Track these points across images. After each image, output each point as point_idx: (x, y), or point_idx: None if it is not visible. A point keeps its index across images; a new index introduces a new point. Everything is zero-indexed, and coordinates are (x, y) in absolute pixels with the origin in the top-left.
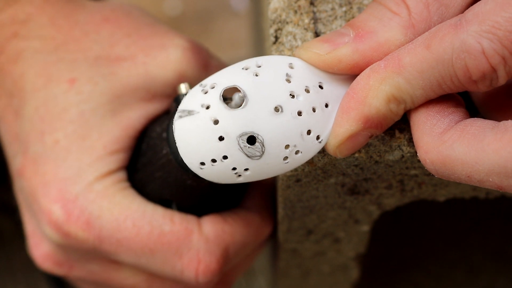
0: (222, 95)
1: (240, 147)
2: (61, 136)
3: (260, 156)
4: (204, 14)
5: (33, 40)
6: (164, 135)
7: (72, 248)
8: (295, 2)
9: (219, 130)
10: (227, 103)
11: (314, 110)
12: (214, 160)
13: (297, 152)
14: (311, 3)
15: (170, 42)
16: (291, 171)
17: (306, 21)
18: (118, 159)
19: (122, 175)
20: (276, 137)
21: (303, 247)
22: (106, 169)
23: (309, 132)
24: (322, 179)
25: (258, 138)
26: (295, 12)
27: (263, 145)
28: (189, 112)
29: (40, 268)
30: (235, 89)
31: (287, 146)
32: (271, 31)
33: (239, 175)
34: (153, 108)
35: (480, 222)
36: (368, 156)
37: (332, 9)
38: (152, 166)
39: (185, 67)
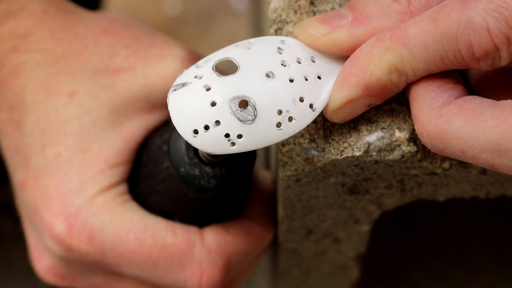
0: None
1: (232, 111)
2: (62, 149)
3: (253, 120)
4: (204, 14)
5: (33, 53)
6: (165, 147)
7: (74, 261)
8: (295, 2)
9: (211, 96)
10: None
11: (306, 79)
12: (207, 127)
13: (290, 119)
14: (311, 3)
15: (169, 52)
16: (291, 171)
17: None
18: (119, 172)
19: (123, 187)
20: (268, 101)
21: (303, 247)
22: (107, 182)
23: (301, 100)
24: (322, 179)
25: (250, 101)
26: (295, 12)
27: (255, 109)
28: (183, 84)
29: (43, 281)
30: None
31: (279, 112)
32: (271, 31)
33: (233, 143)
34: (153, 118)
35: (480, 222)
36: (368, 156)
37: (332, 9)
38: (153, 178)
39: None
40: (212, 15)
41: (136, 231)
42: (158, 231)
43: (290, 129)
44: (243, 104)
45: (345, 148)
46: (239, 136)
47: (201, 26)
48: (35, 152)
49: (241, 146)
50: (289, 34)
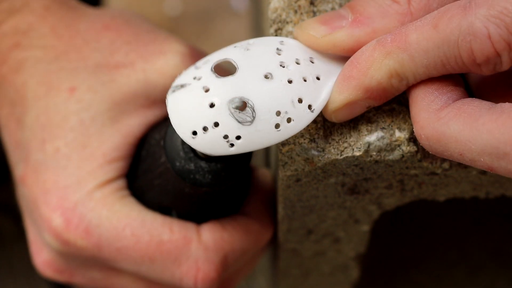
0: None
1: (231, 112)
2: (62, 144)
3: (251, 121)
4: (204, 14)
5: (35, 49)
6: (163, 143)
7: (72, 255)
8: (295, 2)
9: (209, 97)
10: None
11: (305, 80)
12: (205, 128)
13: (289, 120)
14: (311, 3)
15: (169, 48)
16: (291, 170)
17: None
18: (118, 167)
19: (121, 183)
20: (267, 102)
21: (303, 247)
22: (106, 177)
23: (300, 101)
24: (322, 179)
25: (248, 103)
26: (295, 12)
27: (254, 110)
28: (182, 86)
29: (42, 275)
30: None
31: (278, 113)
32: (271, 31)
33: (232, 145)
34: (152, 114)
35: (480, 222)
36: (368, 156)
37: (332, 9)
38: (151, 173)
39: None
40: (212, 15)
41: (133, 227)
42: (155, 227)
43: (288, 130)
44: (242, 105)
45: (345, 148)
46: (238, 138)
47: (201, 26)
48: (34, 147)
49: (239, 148)
50: (289, 34)
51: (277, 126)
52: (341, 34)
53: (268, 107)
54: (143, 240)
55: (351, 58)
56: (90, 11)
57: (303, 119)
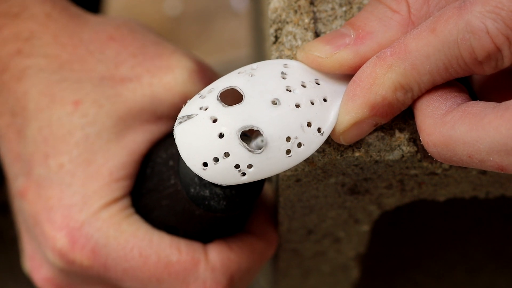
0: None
1: (241, 141)
2: (66, 160)
3: (262, 149)
4: (204, 14)
5: (37, 58)
6: (171, 163)
7: (75, 273)
8: (295, 2)
9: (218, 127)
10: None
11: (312, 103)
12: (216, 159)
13: (299, 145)
14: (311, 3)
15: (177, 64)
16: (291, 170)
17: (306, 21)
18: (124, 186)
19: (127, 201)
20: (276, 129)
21: (303, 247)
22: (112, 197)
23: (309, 124)
24: (322, 179)
25: (258, 131)
26: (295, 12)
27: (264, 138)
28: (188, 116)
29: None
30: (254, 131)
31: (288, 139)
32: (271, 31)
33: (243, 174)
34: (157, 130)
35: (480, 222)
36: (368, 156)
37: (332, 9)
38: (158, 193)
39: (190, 89)
40: (212, 15)
41: (141, 247)
42: (163, 248)
43: (299, 155)
44: (251, 133)
45: (345, 148)
46: (249, 166)
47: (201, 26)
48: (37, 161)
49: (251, 176)
50: (289, 34)
51: (288, 152)
52: (346, 53)
53: (278, 133)
54: (151, 261)
55: (353, 77)
56: (93, 19)
57: (313, 143)
